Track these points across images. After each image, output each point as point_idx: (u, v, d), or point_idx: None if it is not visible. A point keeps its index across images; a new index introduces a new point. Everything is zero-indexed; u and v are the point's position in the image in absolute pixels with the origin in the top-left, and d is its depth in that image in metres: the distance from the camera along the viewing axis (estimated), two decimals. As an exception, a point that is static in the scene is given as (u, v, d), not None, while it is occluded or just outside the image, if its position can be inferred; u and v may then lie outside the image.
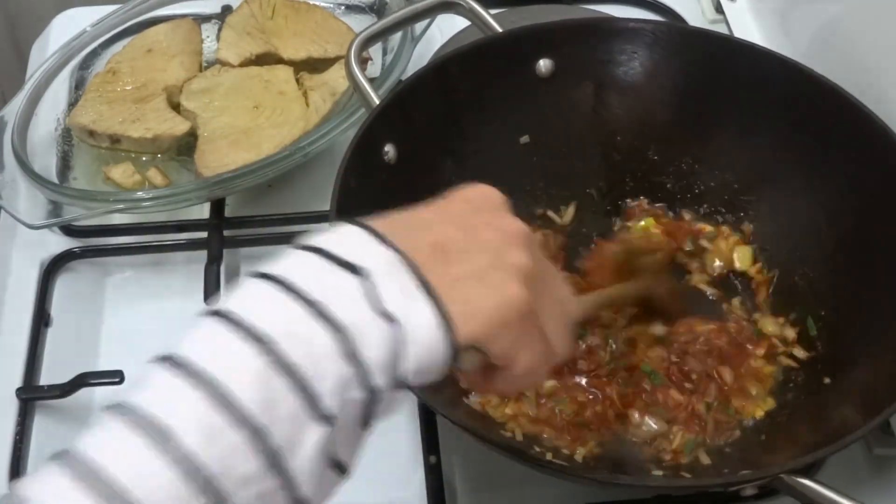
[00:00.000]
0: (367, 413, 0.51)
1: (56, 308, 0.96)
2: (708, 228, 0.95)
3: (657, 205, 0.97)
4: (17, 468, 0.83)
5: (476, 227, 0.57)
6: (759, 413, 0.83)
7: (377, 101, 0.88)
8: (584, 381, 0.84)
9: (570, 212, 0.97)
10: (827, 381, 0.83)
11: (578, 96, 0.96)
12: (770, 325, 0.89)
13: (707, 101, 0.94)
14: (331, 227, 0.54)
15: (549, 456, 0.78)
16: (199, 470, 0.44)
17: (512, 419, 0.82)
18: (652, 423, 0.82)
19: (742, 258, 0.93)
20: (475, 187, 0.60)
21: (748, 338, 0.88)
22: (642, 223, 0.95)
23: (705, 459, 0.80)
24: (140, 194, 0.98)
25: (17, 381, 0.89)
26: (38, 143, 1.04)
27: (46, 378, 0.90)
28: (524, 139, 0.96)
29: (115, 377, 0.87)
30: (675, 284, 0.90)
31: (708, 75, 0.93)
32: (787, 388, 0.85)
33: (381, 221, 0.54)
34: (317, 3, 1.18)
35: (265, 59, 1.12)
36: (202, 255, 0.97)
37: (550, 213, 0.97)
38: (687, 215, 0.96)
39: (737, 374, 0.85)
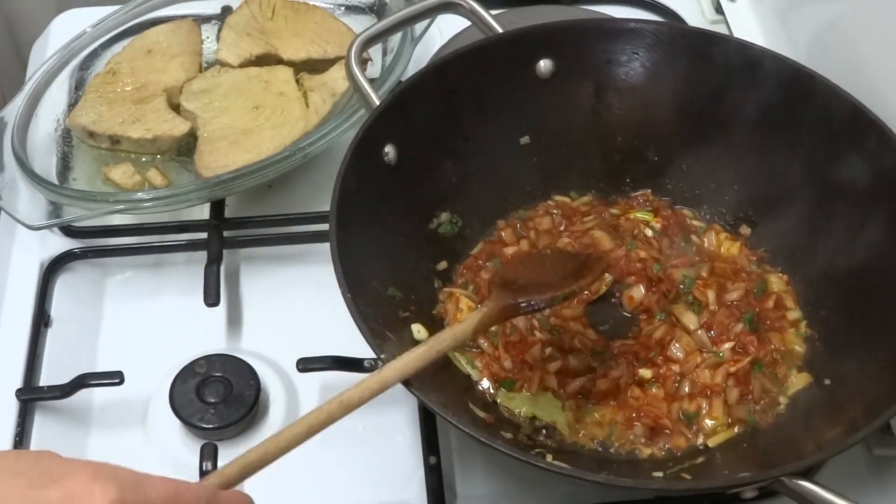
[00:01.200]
0: None
1: (56, 308, 0.95)
2: (700, 224, 0.96)
3: (663, 198, 0.97)
4: (16, 469, 0.83)
5: None
6: (797, 387, 0.84)
7: (377, 102, 0.88)
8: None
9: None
10: (827, 382, 0.83)
11: (578, 96, 0.96)
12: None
13: (707, 102, 0.94)
14: None
15: (549, 457, 0.77)
16: None
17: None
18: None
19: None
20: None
21: None
22: (641, 214, 0.95)
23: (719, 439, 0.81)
24: (140, 195, 0.98)
25: (17, 381, 0.89)
26: (38, 144, 1.04)
27: (46, 378, 0.90)
28: (524, 139, 0.96)
29: (115, 378, 0.87)
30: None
31: (708, 76, 0.93)
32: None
33: None
34: (317, 4, 1.18)
35: (265, 59, 1.12)
36: (202, 255, 0.97)
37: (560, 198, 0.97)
38: (687, 213, 0.97)
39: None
